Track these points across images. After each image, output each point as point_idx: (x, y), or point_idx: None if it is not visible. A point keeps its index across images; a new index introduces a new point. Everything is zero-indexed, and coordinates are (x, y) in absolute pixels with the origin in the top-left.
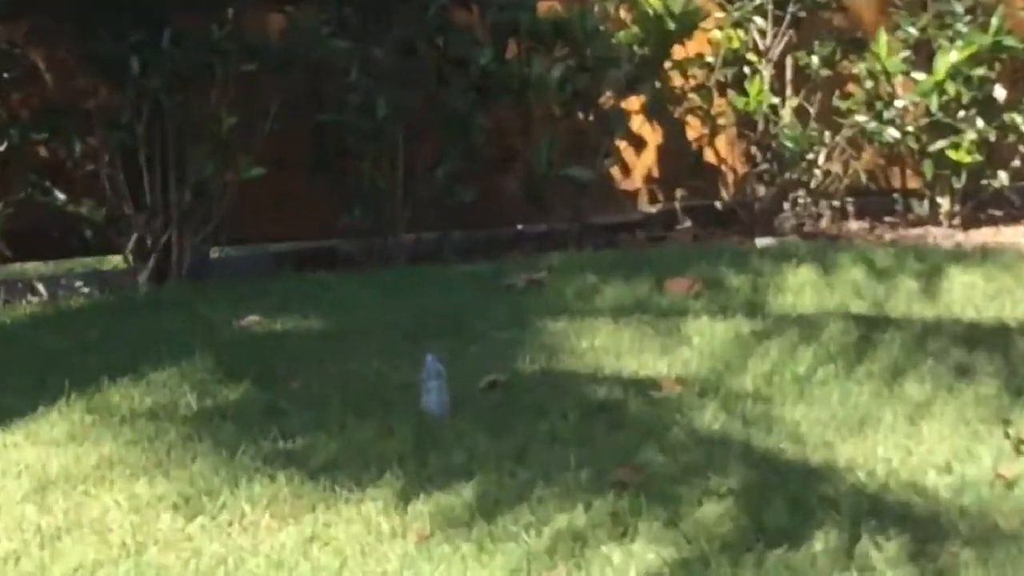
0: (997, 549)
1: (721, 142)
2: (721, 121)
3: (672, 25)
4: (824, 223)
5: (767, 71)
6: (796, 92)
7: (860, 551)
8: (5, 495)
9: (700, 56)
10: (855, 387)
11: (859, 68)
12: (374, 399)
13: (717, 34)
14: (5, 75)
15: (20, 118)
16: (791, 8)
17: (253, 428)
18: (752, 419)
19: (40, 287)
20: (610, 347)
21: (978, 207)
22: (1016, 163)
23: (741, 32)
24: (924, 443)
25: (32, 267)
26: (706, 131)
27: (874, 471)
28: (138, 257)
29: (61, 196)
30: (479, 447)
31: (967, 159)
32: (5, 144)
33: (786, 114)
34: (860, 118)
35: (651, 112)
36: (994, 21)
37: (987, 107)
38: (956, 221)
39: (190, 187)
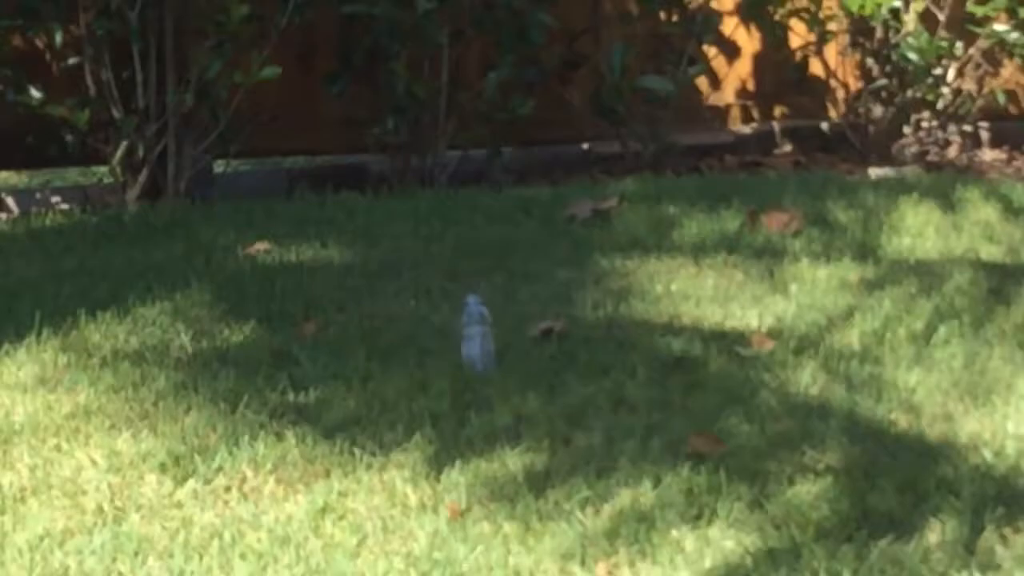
0: None
1: (830, 51)
2: (831, 26)
3: None
4: (952, 152)
5: None
6: None
7: (983, 545)
8: None
9: None
10: (983, 349)
11: None
12: (404, 347)
13: None
14: None
15: None
16: None
17: (258, 377)
18: (858, 383)
19: (10, 201)
20: (690, 293)
21: None
22: None
23: None
24: None
25: (1, 177)
26: (813, 38)
27: (1003, 450)
28: (128, 169)
29: (37, 94)
30: (528, 407)
31: None
32: None
33: (910, 20)
34: (999, 27)
35: (747, 13)
36: None
37: None
38: None
39: (192, 88)
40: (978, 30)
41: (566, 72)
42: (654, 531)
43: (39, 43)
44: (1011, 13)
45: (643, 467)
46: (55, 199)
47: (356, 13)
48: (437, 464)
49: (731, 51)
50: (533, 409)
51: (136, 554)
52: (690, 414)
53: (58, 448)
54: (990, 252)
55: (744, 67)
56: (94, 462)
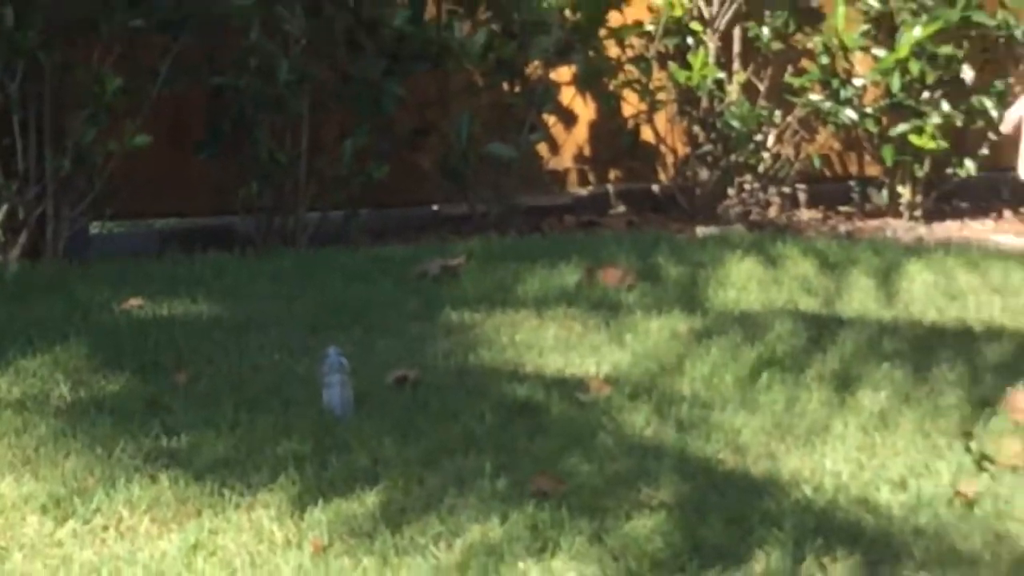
0: (953, 574)
1: (660, 120)
2: (661, 96)
3: None
4: (772, 211)
5: (712, 42)
6: (744, 67)
7: (804, 573)
8: None
9: (639, 24)
10: (803, 393)
11: (814, 42)
12: (270, 395)
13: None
14: None
15: None
16: None
17: (133, 423)
18: (688, 425)
19: None
20: (533, 343)
21: (942, 198)
22: (984, 151)
23: None
24: (877, 456)
25: None
26: (644, 107)
27: (822, 486)
28: (8, 231)
29: None
30: (385, 450)
31: (931, 145)
32: None
33: (733, 90)
34: (814, 97)
35: (583, 84)
36: None
37: (954, 89)
38: (918, 213)
39: (69, 155)
40: (795, 100)
41: (417, 140)
42: (502, 564)
43: None
44: (825, 84)
45: (491, 505)
46: None
47: (223, 85)
48: (301, 504)
49: (569, 119)
50: (389, 452)
51: None
52: (534, 455)
53: None
54: (808, 304)
55: (581, 134)
56: None
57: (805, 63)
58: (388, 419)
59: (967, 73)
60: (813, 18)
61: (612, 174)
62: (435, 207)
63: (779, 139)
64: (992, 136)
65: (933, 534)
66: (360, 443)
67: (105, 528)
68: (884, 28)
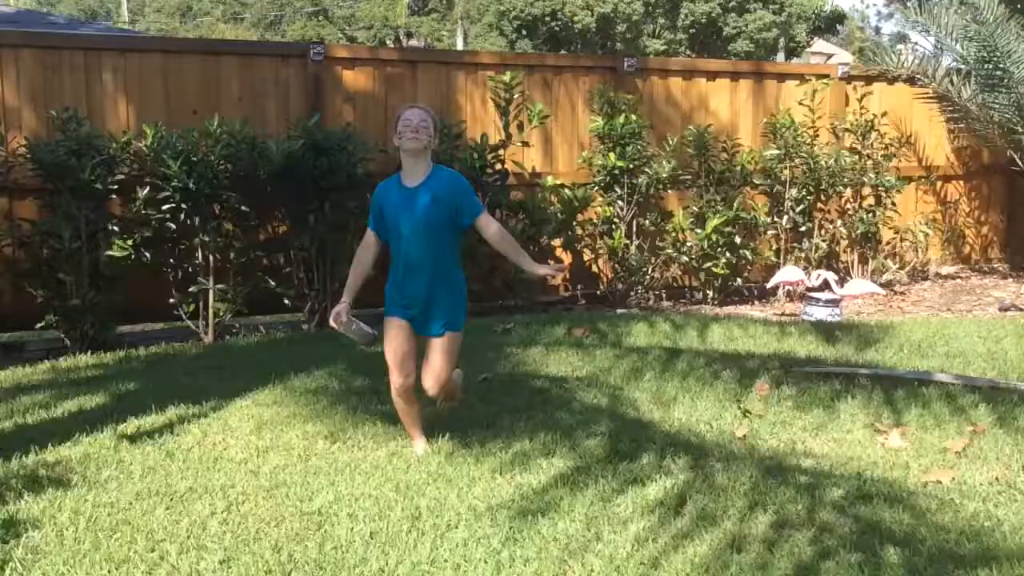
0: (735, 464)
1: (601, 262)
2: (601, 252)
3: (577, 203)
4: (651, 303)
5: (623, 227)
6: (638, 237)
7: (665, 463)
8: (240, 431)
9: (591, 219)
10: (665, 383)
11: (669, 226)
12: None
13: (599, 209)
14: (246, 224)
15: (255, 245)
16: (635, 197)
17: (366, 399)
18: (613, 398)
19: (262, 328)
20: (543, 362)
21: (727, 296)
22: (746, 274)
23: (611, 207)
24: (697, 410)
25: (259, 319)
26: (593, 256)
27: (673, 423)
28: (310, 314)
29: (273, 283)
30: (477, 411)
31: (722, 272)
32: (246, 258)
33: (633, 248)
34: (669, 251)
35: (566, 247)
36: (735, 203)
37: (731, 246)
38: (716, 303)
39: (337, 281)
40: (661, 252)
41: (492, 272)
42: (530, 460)
43: (273, 263)
44: (674, 245)
45: (523, 434)
46: (281, 327)
47: None
48: (435, 432)
49: (558, 262)
50: (479, 412)
51: (315, 473)
52: (544, 413)
53: (281, 430)
54: (666, 343)
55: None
56: (297, 436)
57: (665, 236)
58: (479, 396)
59: (738, 239)
60: (668, 216)
61: (579, 286)
62: (500, 302)
63: (654, 269)
64: (749, 267)
65: (723, 445)
66: (465, 408)
67: (353, 446)
68: (699, 219)
